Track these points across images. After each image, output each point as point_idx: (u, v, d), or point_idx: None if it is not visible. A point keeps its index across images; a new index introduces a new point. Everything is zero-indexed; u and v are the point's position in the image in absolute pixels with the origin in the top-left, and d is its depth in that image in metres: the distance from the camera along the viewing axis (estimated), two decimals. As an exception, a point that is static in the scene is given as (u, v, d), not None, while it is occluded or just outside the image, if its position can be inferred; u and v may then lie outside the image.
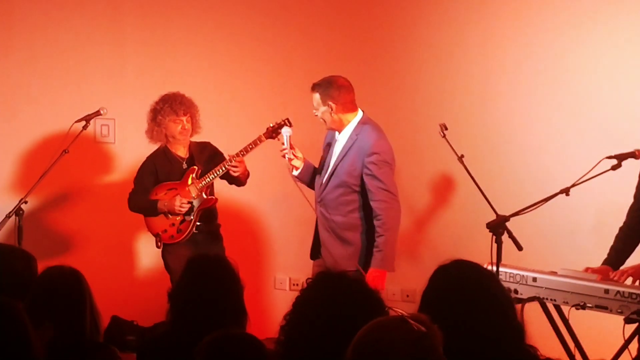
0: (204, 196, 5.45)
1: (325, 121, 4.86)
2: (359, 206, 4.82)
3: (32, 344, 2.68)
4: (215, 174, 5.37)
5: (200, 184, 5.41)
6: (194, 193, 5.45)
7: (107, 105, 5.46)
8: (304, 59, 6.18)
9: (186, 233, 5.51)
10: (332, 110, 4.80)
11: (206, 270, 3.24)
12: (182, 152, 5.54)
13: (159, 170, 5.52)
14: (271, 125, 5.12)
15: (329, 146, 4.95)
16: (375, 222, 4.75)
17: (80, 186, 6.35)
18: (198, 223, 5.45)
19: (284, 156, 4.89)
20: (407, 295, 6.07)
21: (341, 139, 4.85)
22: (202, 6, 6.34)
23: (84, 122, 5.30)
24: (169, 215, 5.46)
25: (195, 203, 5.45)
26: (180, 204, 5.41)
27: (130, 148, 6.30)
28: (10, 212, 5.09)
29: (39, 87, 6.28)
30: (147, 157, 5.56)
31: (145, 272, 6.31)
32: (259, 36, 6.29)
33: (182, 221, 5.48)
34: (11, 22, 6.27)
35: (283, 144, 4.89)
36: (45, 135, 6.03)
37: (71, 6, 6.28)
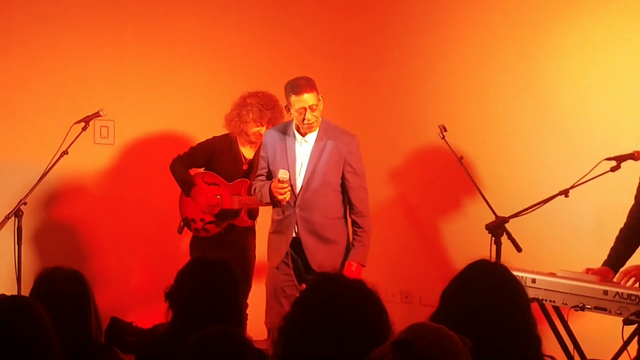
0: (242, 215, 5.49)
1: (317, 119, 4.82)
2: (340, 204, 4.90)
3: (52, 343, 2.71)
4: (260, 204, 5.36)
5: (243, 202, 5.44)
6: (234, 205, 5.47)
7: (107, 107, 5.46)
8: (303, 59, 6.18)
9: (210, 234, 5.52)
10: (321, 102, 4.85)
11: (205, 271, 3.24)
12: (248, 152, 5.56)
13: (216, 157, 5.54)
14: None
15: (281, 150, 4.90)
16: (358, 219, 4.87)
17: (79, 187, 6.35)
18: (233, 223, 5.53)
19: (283, 200, 4.78)
20: (407, 297, 6.07)
21: (310, 139, 4.85)
22: (201, 7, 6.34)
23: (83, 124, 5.29)
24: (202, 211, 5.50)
25: (230, 215, 5.48)
26: (209, 206, 5.44)
27: (130, 149, 6.30)
28: (9, 213, 5.08)
29: (38, 88, 6.28)
30: (213, 139, 5.58)
31: (144, 273, 6.30)
32: (259, 36, 6.29)
33: (211, 222, 5.50)
34: (10, 23, 6.27)
35: (285, 187, 4.78)
36: (44, 136, 6.02)
37: (70, 7, 6.28)
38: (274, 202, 4.87)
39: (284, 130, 4.93)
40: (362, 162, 4.94)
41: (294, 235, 4.88)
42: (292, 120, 4.92)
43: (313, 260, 4.85)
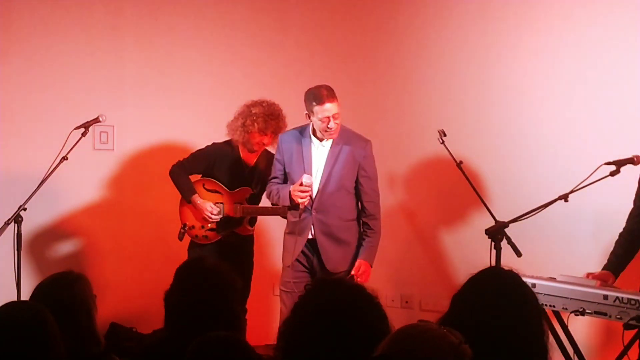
0: (245, 224, 5.50)
1: (339, 127, 4.94)
2: (354, 207, 5.06)
3: (57, 350, 2.71)
4: (263, 213, 5.46)
5: (247, 211, 5.44)
6: (237, 213, 5.46)
7: (106, 112, 5.46)
8: (304, 62, 6.19)
9: (211, 241, 5.51)
10: None
11: (201, 276, 3.22)
12: (249, 159, 5.56)
13: (217, 164, 5.53)
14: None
15: (297, 153, 5.03)
16: (370, 221, 5.05)
17: (79, 193, 6.34)
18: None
19: (302, 204, 4.92)
20: (406, 302, 6.07)
21: (326, 144, 4.99)
22: (201, 13, 6.35)
23: (83, 129, 5.30)
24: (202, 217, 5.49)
25: (233, 223, 5.47)
26: (211, 213, 5.43)
27: (130, 155, 6.30)
28: (9, 219, 5.08)
29: (38, 94, 6.27)
30: (214, 145, 5.59)
31: (143, 278, 6.29)
32: (259, 40, 6.29)
33: (212, 229, 5.49)
34: (10, 29, 6.26)
35: (308, 190, 4.91)
36: (44, 142, 6.02)
37: (71, 13, 6.28)
38: (293, 206, 4.99)
39: (301, 134, 5.07)
40: (375, 166, 5.07)
41: (310, 236, 5.02)
42: (308, 124, 5.02)
43: (328, 260, 4.99)
